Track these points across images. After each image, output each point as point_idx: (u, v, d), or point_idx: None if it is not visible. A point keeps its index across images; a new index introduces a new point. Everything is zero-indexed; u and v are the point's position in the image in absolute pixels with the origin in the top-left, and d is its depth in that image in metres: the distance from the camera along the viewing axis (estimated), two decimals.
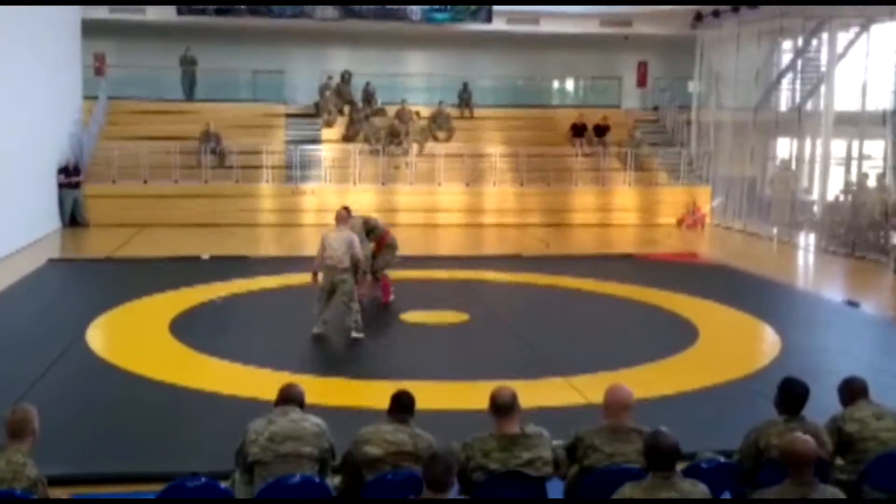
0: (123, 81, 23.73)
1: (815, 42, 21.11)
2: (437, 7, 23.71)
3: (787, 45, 22.80)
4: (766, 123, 21.92)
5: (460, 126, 24.03)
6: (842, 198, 19.99)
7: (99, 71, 23.80)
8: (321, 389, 8.37)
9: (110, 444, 7.30)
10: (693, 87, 25.23)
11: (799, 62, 21.86)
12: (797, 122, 21.11)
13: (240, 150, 21.77)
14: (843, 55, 20.07)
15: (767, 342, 11.04)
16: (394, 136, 22.74)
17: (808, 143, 21.60)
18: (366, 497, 4.92)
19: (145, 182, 20.87)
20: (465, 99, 24.85)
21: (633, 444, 4.70)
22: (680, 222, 22.74)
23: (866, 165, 19.88)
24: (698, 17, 23.88)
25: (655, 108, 26.51)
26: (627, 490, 4.34)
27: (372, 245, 12.35)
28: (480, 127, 24.51)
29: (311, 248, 12.23)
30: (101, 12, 22.39)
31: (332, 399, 7.85)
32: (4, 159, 15.70)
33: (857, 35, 19.71)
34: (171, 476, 5.16)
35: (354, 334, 10.46)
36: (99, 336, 10.69)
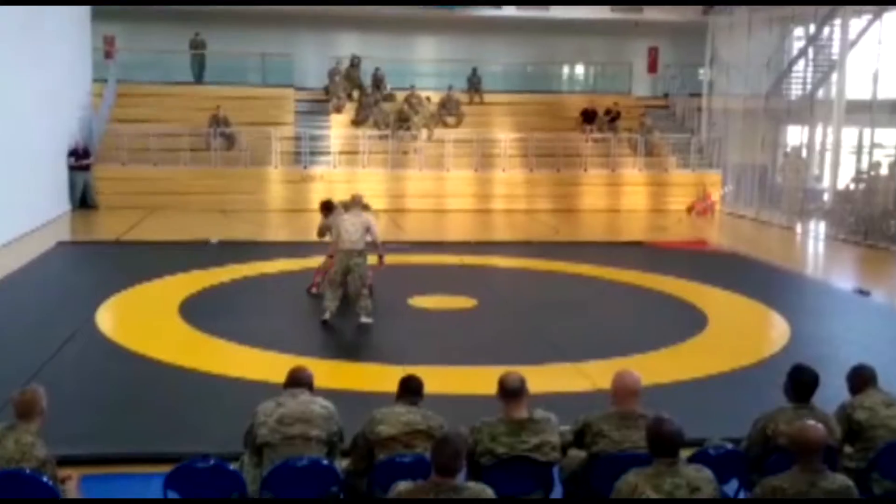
0: (133, 65, 23.71)
1: (827, 29, 20.98)
2: None
3: (798, 31, 22.66)
4: (777, 111, 21.82)
5: (470, 111, 23.98)
6: (853, 186, 19.90)
7: (108, 54, 23.79)
8: (330, 373, 8.40)
9: (119, 424, 7.33)
10: (704, 73, 25.10)
11: (811, 49, 21.74)
12: (808, 110, 21.01)
13: (249, 134, 21.77)
14: (855, 42, 19.95)
15: (776, 330, 11.01)
16: (403, 122, 22.70)
17: (819, 130, 21.50)
18: (375, 478, 4.93)
19: (155, 165, 20.89)
20: (474, 84, 24.78)
21: (642, 431, 4.69)
22: (690, 209, 22.67)
23: (878, 154, 19.77)
24: (710, 4, 23.74)
25: (666, 95, 26.40)
26: (632, 476, 4.33)
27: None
28: (490, 112, 24.45)
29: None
30: None
31: (341, 383, 7.87)
32: (15, 142, 15.72)
33: (870, 22, 19.59)
34: (180, 457, 5.19)
35: (363, 319, 10.46)
36: (108, 318, 10.73)
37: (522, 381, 5.00)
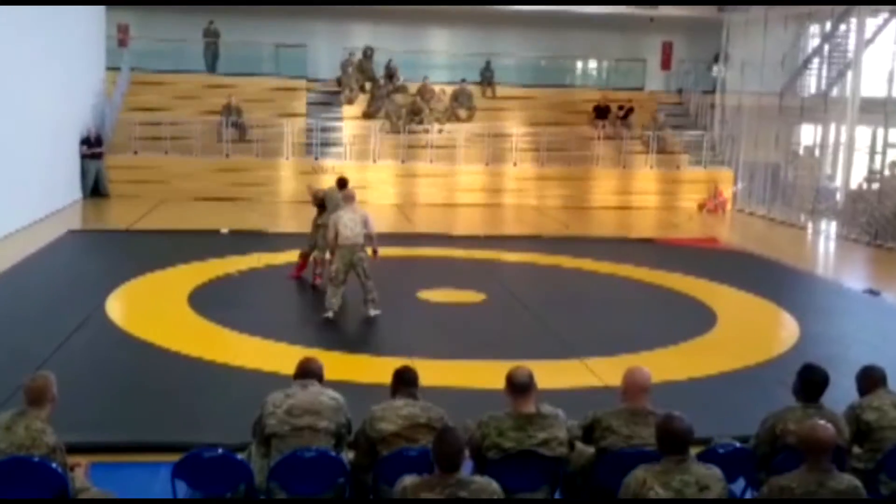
0: (146, 53, 23.72)
1: (842, 27, 20.86)
2: None
3: (814, 29, 22.54)
4: (791, 109, 21.71)
5: (482, 105, 23.94)
6: (865, 186, 19.80)
7: (122, 42, 23.80)
8: (338, 365, 8.39)
9: (128, 413, 7.37)
10: (717, 70, 24.99)
11: (826, 47, 21.62)
12: (822, 108, 20.90)
13: (261, 124, 21.79)
14: (871, 41, 19.84)
15: (786, 329, 10.99)
16: (415, 114, 22.68)
17: (832, 129, 21.40)
18: (380, 472, 4.94)
19: (166, 154, 20.93)
20: (487, 77, 24.73)
21: (651, 427, 4.68)
22: (701, 207, 22.60)
23: (892, 153, 19.67)
24: (726, 3, 23.63)
25: (679, 91, 26.29)
26: (640, 472, 4.33)
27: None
28: (502, 106, 24.40)
29: None
30: None
31: (349, 375, 7.87)
32: (28, 130, 15.78)
33: (886, 21, 19.48)
34: (188, 446, 5.21)
35: (372, 311, 10.45)
36: (118, 307, 10.77)
37: (531, 376, 5.00)
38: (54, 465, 4.65)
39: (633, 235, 18.23)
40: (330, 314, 10.35)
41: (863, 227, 18.53)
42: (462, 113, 23.45)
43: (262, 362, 8.65)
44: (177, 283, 11.95)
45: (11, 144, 14.92)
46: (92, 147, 19.92)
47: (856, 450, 5.45)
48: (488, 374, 7.66)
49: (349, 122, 22.82)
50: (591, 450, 5.23)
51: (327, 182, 20.75)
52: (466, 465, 4.46)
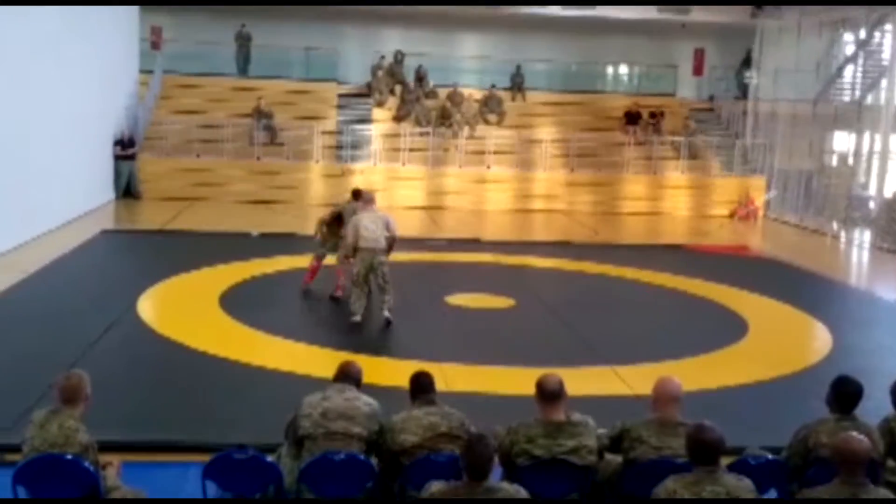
0: (179, 56, 23.95)
1: (877, 34, 20.63)
2: None
3: (848, 36, 22.31)
4: (825, 116, 21.50)
5: (512, 109, 23.92)
6: None
7: (155, 45, 24.04)
8: (366, 368, 8.36)
9: (157, 412, 7.42)
10: (751, 76, 24.81)
11: (860, 54, 21.39)
12: (856, 116, 20.67)
13: (291, 127, 21.90)
14: None
15: (818, 339, 10.87)
16: (444, 119, 22.70)
17: (866, 137, 21.16)
18: (408, 478, 4.93)
19: (198, 156, 21.10)
20: (517, 82, 24.71)
21: (681, 438, 4.64)
22: (732, 214, 22.43)
23: None
24: (759, 6, 23.45)
25: (711, 98, 26.13)
26: (670, 483, 4.29)
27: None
28: (532, 111, 24.37)
29: None
30: None
31: (377, 378, 7.86)
32: (63, 130, 15.97)
33: None
34: (218, 447, 5.23)
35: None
36: (150, 307, 10.85)
37: (561, 384, 4.97)
38: (86, 463, 4.69)
39: (663, 242, 18.12)
40: (357, 318, 10.33)
41: None
42: (491, 118, 23.45)
43: (292, 364, 8.69)
44: (208, 285, 12.03)
45: (47, 145, 15.12)
46: (125, 148, 20.12)
47: (890, 463, 5.37)
48: (517, 380, 7.66)
49: (379, 125, 22.89)
50: (618, 459, 5.19)
51: (358, 185, 21.00)
52: (495, 472, 4.44)
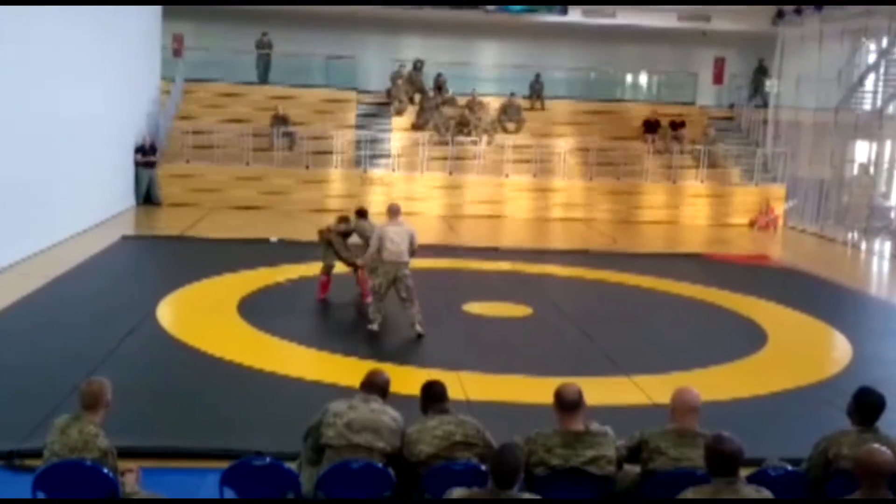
0: (200, 63, 24.11)
1: None
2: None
3: (870, 45, 22.17)
4: (846, 125, 21.36)
5: (531, 117, 23.92)
6: None
7: (177, 52, 24.23)
8: None
9: (175, 418, 7.44)
10: (771, 85, 24.69)
11: (882, 63, 21.25)
12: (878, 125, 20.53)
13: (311, 135, 21.99)
14: None
15: (838, 350, 10.79)
16: (463, 126, 22.73)
17: (888, 146, 21.00)
18: (427, 486, 4.93)
19: (218, 163, 21.21)
20: (536, 90, 24.71)
21: (700, 449, 4.62)
22: (752, 223, 22.31)
23: None
24: (780, 15, 23.36)
25: (731, 106, 26.03)
26: (690, 494, 4.28)
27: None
28: (551, 119, 24.36)
29: None
30: None
31: (394, 387, 7.85)
32: (85, 137, 16.09)
33: None
34: (237, 454, 5.25)
35: (419, 329, 10.28)
36: (169, 313, 10.91)
37: (580, 394, 4.96)
38: (105, 469, 4.72)
39: (682, 251, 18.04)
40: (375, 326, 10.33)
41: None
42: (510, 126, 23.46)
43: (310, 372, 8.72)
44: (226, 291, 12.07)
45: (70, 151, 15.25)
46: (146, 155, 20.25)
47: None
48: (535, 389, 7.64)
49: (398, 133, 22.94)
50: (637, 470, 5.17)
51: (377, 192, 21.07)
52: None
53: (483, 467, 4.88)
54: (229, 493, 4.92)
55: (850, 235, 20.36)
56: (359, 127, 22.89)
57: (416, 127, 23.04)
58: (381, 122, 23.44)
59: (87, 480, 4.69)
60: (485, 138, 22.69)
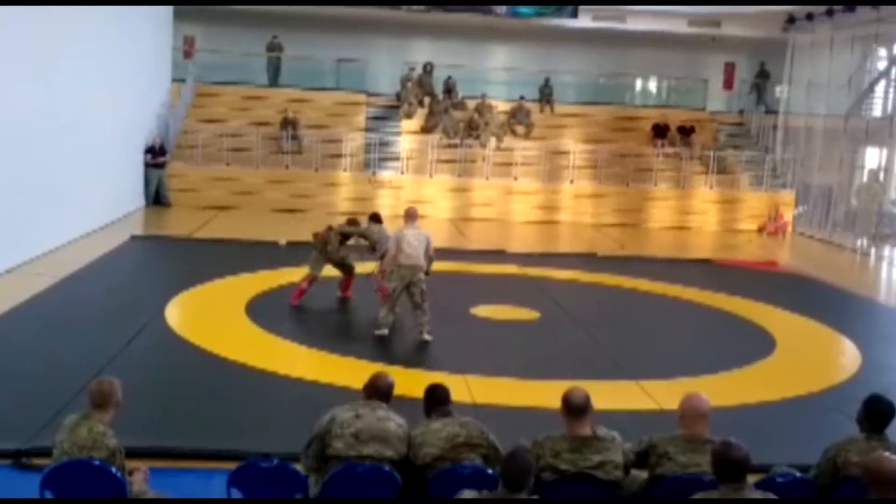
0: (211, 65, 24.17)
1: None
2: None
3: (881, 52, 22.12)
4: (856, 132, 21.31)
5: (540, 121, 23.91)
6: None
7: (188, 54, 24.29)
8: None
9: (184, 419, 7.45)
10: (781, 91, 24.64)
11: (893, 70, 21.19)
12: (888, 132, 20.47)
13: (320, 137, 22.02)
14: None
15: (847, 356, 10.75)
16: (472, 130, 22.74)
17: None
18: (433, 489, 4.93)
19: (227, 165, 21.25)
20: (545, 94, 24.69)
21: (708, 455, 4.61)
22: (761, 229, 22.27)
23: None
24: (790, 20, 23.31)
25: (741, 112, 25.98)
26: (697, 500, 4.27)
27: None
28: (560, 123, 24.35)
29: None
30: None
31: (402, 390, 7.82)
32: (95, 138, 16.15)
33: None
34: (244, 455, 5.26)
35: (426, 336, 10.25)
36: (177, 314, 10.93)
37: (587, 398, 4.96)
38: (113, 468, 4.74)
39: (691, 256, 18.01)
40: (384, 331, 10.30)
41: None
42: (519, 129, 23.46)
43: (317, 373, 8.72)
44: (235, 293, 12.09)
45: (81, 151, 15.30)
46: (156, 156, 20.31)
47: None
48: (542, 393, 7.64)
49: (407, 136, 22.95)
50: (644, 475, 5.16)
51: (386, 195, 21.08)
52: None
53: (490, 471, 4.88)
54: (236, 494, 4.92)
55: (859, 242, 20.29)
56: (368, 130, 22.92)
57: (426, 130, 23.05)
58: (391, 125, 23.45)
59: (94, 480, 4.71)
60: (493, 142, 22.69)
